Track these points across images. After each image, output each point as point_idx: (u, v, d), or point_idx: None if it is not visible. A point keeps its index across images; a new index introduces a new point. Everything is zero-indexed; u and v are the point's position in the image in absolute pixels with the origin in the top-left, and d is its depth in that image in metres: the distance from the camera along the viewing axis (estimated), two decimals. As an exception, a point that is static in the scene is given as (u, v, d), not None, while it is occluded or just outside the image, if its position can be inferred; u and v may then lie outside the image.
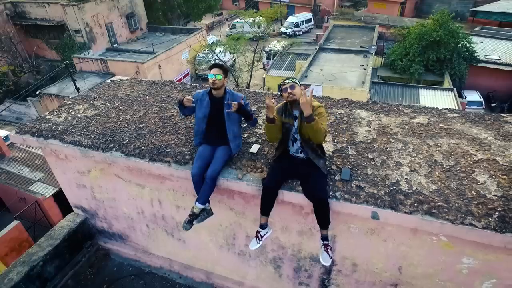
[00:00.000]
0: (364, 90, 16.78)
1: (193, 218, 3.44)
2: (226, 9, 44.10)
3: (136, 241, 5.31)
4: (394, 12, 34.47)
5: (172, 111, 4.55)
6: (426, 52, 20.04)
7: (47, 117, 4.69)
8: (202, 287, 5.14)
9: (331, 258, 3.07)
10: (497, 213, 2.73)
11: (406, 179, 3.10)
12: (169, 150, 3.78)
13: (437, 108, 4.15)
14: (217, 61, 24.88)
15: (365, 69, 19.47)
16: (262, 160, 3.55)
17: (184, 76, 25.42)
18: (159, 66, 22.56)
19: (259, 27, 20.16)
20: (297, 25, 33.71)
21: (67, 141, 4.16)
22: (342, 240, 3.58)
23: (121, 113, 4.58)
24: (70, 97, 5.27)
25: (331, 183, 3.15)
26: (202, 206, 3.43)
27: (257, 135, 3.96)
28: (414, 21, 27.51)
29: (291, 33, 33.32)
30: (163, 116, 4.44)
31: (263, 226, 3.34)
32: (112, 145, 3.98)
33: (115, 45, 25.54)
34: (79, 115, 4.64)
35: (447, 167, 3.20)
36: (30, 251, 4.90)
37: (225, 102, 3.34)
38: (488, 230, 2.67)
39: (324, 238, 3.13)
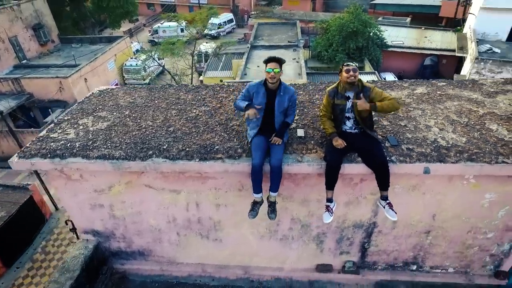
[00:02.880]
0: (303, 81, 17.95)
1: (274, 206, 3.56)
2: (141, 15, 42.09)
3: (161, 254, 5.06)
4: (307, 7, 37.19)
5: (194, 111, 4.48)
6: (346, 42, 22.22)
7: (50, 136, 4.19)
8: (238, 283, 5.16)
9: (396, 213, 3.48)
10: (517, 150, 3.47)
11: (440, 136, 3.69)
12: (218, 147, 3.78)
13: (428, 79, 4.91)
14: (147, 68, 23.81)
15: (298, 62, 20.78)
16: (312, 142, 3.81)
17: (113, 88, 23.71)
18: (85, 79, 20.67)
19: (195, 29, 19.88)
20: (220, 26, 34.02)
21: (93, 156, 3.81)
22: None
23: (139, 120, 4.34)
24: (63, 113, 4.74)
25: (384, 150, 3.57)
26: (275, 194, 3.56)
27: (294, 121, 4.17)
28: (328, 15, 30.14)
29: (215, 34, 33.49)
30: (188, 117, 4.35)
31: (330, 200, 3.61)
32: (151, 152, 3.79)
33: (25, 61, 22.48)
34: (91, 128, 4.25)
35: (464, 123, 3.90)
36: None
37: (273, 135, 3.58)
38: (515, 164, 3.39)
39: (385, 198, 3.53)
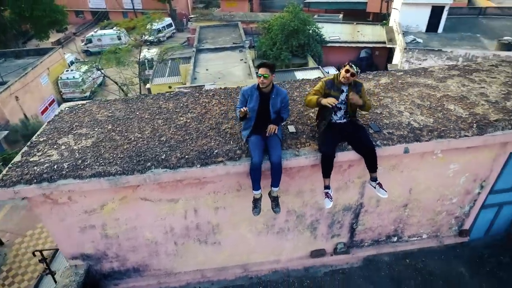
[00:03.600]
0: (254, 81, 18.34)
1: (277, 201, 3.75)
2: (70, 23, 39.04)
3: (158, 267, 4.96)
4: (244, 8, 37.80)
5: (181, 119, 4.49)
6: (289, 40, 23.17)
7: (30, 160, 3.90)
8: (238, 282, 5.27)
9: (386, 191, 3.89)
10: (474, 124, 4.10)
11: (412, 119, 4.21)
12: (217, 151, 3.86)
13: (387, 70, 5.48)
14: (87, 80, 22.28)
15: (245, 62, 21.16)
16: (304, 136, 4.08)
17: (50, 104, 21.83)
18: (16, 97, 18.78)
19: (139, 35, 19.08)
20: (159, 31, 33.04)
21: (86, 175, 3.65)
22: (367, 183, 4.47)
23: (126, 134, 4.23)
24: (35, 135, 4.40)
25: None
26: (277, 189, 3.76)
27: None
28: (267, 15, 31.00)
29: (155, 40, 32.46)
30: (178, 125, 4.35)
31: (328, 187, 3.91)
32: (149, 163, 3.75)
33: None
34: (75, 147, 4.04)
35: (427, 106, 4.48)
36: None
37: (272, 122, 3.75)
38: (474, 136, 4.01)
39: (375, 179, 3.93)
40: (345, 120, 3.90)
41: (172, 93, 5.20)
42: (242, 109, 3.58)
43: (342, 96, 3.75)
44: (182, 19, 38.41)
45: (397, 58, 21.22)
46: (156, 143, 4.02)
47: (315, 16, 31.13)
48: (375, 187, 3.91)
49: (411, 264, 5.38)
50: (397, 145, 3.93)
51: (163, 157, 3.80)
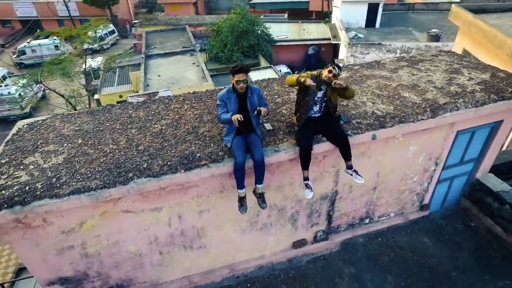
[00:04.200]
0: (209, 84, 18.30)
1: (263, 197, 3.87)
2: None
3: (143, 279, 4.84)
4: (190, 12, 37.35)
5: (156, 126, 4.42)
6: (239, 41, 23.40)
7: (-5, 184, 3.60)
8: (225, 283, 5.31)
9: (362, 176, 4.20)
10: (427, 108, 4.59)
11: (376, 108, 4.59)
12: (199, 154, 3.89)
13: (348, 65, 5.88)
14: (25, 95, 20.49)
15: (198, 66, 20.97)
16: (280, 132, 4.26)
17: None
18: None
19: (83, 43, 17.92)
20: (101, 38, 31.31)
21: (64, 193, 3.48)
22: (342, 171, 4.79)
23: (100, 146, 4.08)
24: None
25: (340, 127, 4.26)
26: (262, 185, 3.89)
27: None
28: (214, 17, 30.94)
29: (98, 48, 30.71)
30: (153, 133, 4.29)
31: (307, 179, 4.13)
32: (131, 174, 3.66)
33: None
34: (45, 165, 3.81)
35: (386, 95, 4.90)
36: None
37: (256, 110, 3.69)
38: (429, 119, 4.49)
39: (350, 167, 4.23)
40: (319, 114, 4.14)
41: (140, 101, 5.07)
42: (237, 117, 3.49)
43: (320, 94, 3.98)
44: (125, 25, 36.86)
45: (343, 53, 22.48)
46: (135, 153, 3.94)
47: (262, 17, 31.71)
48: (351, 174, 4.20)
49: (383, 241, 5.84)
50: (365, 133, 4.28)
51: (144, 166, 3.74)
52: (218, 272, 5.21)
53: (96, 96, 20.17)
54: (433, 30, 20.99)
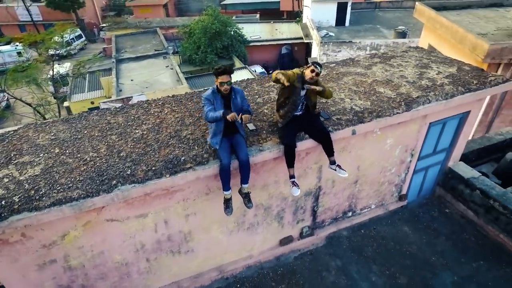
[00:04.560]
0: (184, 87, 18.10)
1: (249, 196, 3.90)
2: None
3: (130, 288, 4.73)
4: (160, 14, 36.73)
5: (136, 131, 4.34)
6: (212, 42, 23.28)
7: (-32, 200, 3.40)
8: (215, 285, 5.29)
9: (345, 170, 4.31)
10: (402, 102, 4.79)
11: (354, 104, 4.73)
12: (184, 158, 3.85)
13: (324, 63, 6.01)
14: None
15: (172, 69, 20.68)
16: (264, 132, 4.30)
17: None
18: None
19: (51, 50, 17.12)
20: (68, 43, 30.13)
21: (44, 205, 3.35)
22: (325, 166, 4.91)
23: (79, 155, 3.95)
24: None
25: (321, 124, 4.37)
26: (247, 185, 3.91)
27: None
28: (185, 19, 30.60)
29: (65, 54, 29.54)
30: (135, 139, 4.20)
31: (293, 176, 4.19)
32: (114, 181, 3.58)
33: None
34: (21, 178, 3.64)
35: (362, 91, 5.07)
36: None
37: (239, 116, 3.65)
38: (404, 112, 4.69)
39: (333, 162, 4.33)
40: (301, 112, 4.22)
41: (117, 107, 4.95)
42: (233, 115, 3.49)
43: (302, 93, 4.05)
44: (93, 29, 35.70)
45: (315, 52, 22.90)
46: (117, 160, 3.85)
47: (234, 17, 31.71)
48: (335, 169, 4.31)
49: (366, 233, 6.03)
50: (346, 128, 4.40)
51: (128, 172, 3.66)
52: (207, 275, 5.18)
53: (66, 104, 19.42)
54: (400, 27, 21.82)
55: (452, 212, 6.45)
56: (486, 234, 5.94)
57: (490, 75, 5.46)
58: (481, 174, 6.17)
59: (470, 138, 8.74)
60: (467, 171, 6.28)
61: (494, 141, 7.48)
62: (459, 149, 6.24)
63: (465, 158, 6.70)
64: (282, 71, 3.91)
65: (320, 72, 3.92)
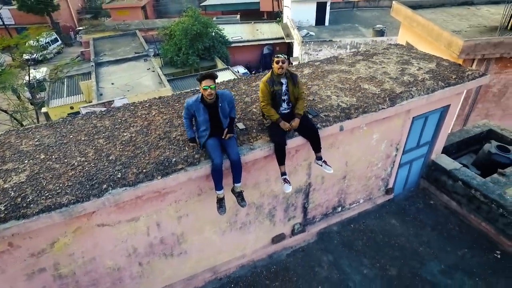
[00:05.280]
0: (168, 89, 17.89)
1: (242, 195, 3.91)
2: None
3: (123, 295, 4.64)
4: (138, 16, 36.08)
5: (125, 134, 4.27)
6: (194, 44, 23.11)
7: (-50, 211, 3.26)
8: (209, 287, 5.27)
9: (331, 166, 4.39)
10: (386, 98, 4.92)
11: (340, 101, 4.82)
12: (175, 159, 3.83)
13: (309, 62, 6.10)
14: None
15: (153, 71, 20.40)
16: (254, 130, 4.32)
17: None
18: None
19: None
20: (44, 47, 29.18)
21: (33, 213, 3.25)
22: (313, 163, 4.97)
23: (66, 160, 3.86)
24: None
25: (310, 121, 4.43)
26: (240, 184, 3.92)
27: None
28: (164, 21, 30.23)
29: (41, 58, 28.61)
30: (123, 141, 4.14)
31: (284, 173, 4.23)
32: (105, 185, 3.51)
33: None
34: (6, 185, 3.52)
35: (348, 88, 5.17)
36: None
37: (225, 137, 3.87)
38: (389, 107, 4.82)
39: (320, 158, 4.40)
40: (288, 110, 4.27)
41: (103, 110, 4.86)
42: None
43: (284, 88, 4.10)
44: (69, 33, 34.72)
45: (297, 51, 23.11)
46: (106, 164, 3.78)
47: (214, 19, 31.59)
48: (321, 165, 4.39)
49: (355, 227, 6.15)
50: (333, 125, 4.48)
51: (118, 176, 3.60)
52: (201, 276, 5.15)
53: (44, 110, 18.81)
54: (378, 26, 22.34)
55: (436, 203, 6.67)
56: (469, 223, 6.17)
57: (468, 69, 5.68)
58: (462, 166, 6.41)
59: (449, 131, 9.07)
60: (449, 163, 6.50)
61: (472, 134, 7.78)
62: (441, 142, 6.46)
63: (446, 150, 6.94)
64: (264, 101, 4.06)
65: (284, 58, 3.97)
